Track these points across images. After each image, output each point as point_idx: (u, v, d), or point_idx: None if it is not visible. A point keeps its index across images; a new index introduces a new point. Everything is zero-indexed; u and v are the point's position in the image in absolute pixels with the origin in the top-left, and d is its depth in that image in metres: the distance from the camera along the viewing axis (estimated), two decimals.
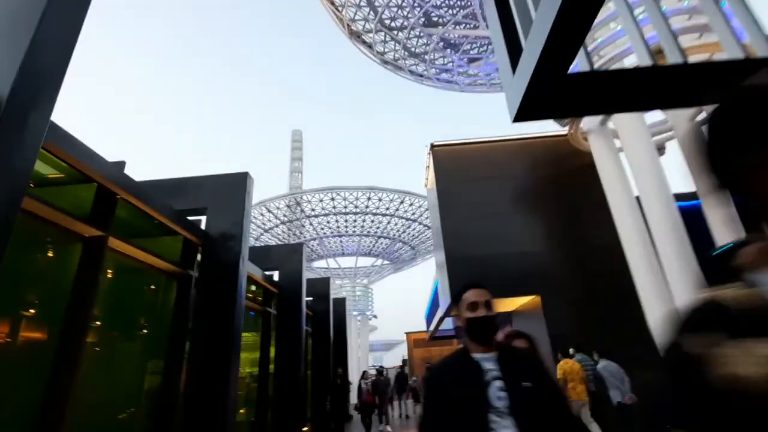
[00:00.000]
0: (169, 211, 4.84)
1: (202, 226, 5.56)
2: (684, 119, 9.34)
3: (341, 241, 42.22)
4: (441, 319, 17.51)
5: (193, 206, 5.51)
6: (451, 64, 17.76)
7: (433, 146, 11.05)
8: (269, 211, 36.54)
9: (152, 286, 5.00)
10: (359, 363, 39.97)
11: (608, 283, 9.10)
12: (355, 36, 17.05)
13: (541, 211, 10.15)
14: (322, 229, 39.53)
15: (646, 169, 7.59)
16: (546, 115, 3.72)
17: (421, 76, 18.93)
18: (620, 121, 8.16)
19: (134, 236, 4.51)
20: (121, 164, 4.09)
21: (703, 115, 9.08)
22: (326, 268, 45.13)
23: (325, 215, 37.49)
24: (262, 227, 37.64)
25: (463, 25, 15.66)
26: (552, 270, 9.51)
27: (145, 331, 4.86)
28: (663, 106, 4.51)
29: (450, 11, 15.37)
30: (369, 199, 36.18)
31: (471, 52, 17.18)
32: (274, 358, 8.11)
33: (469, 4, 15.01)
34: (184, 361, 4.77)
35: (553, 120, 10.37)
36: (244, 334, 7.78)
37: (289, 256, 8.73)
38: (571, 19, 2.08)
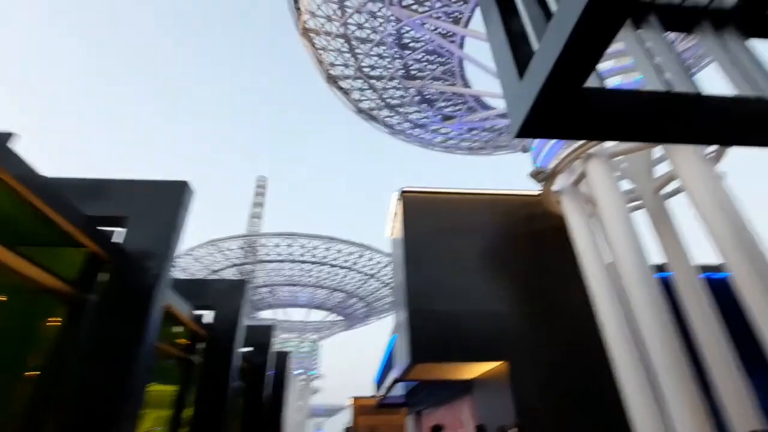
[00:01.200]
0: (70, 211, 3.75)
1: (120, 240, 4.44)
2: (650, 191, 9.47)
3: (294, 291, 39.99)
4: (394, 383, 16.01)
5: (110, 213, 4.41)
6: (425, 119, 18.07)
7: (403, 192, 10.51)
8: (219, 252, 34.23)
9: (26, 309, 3.73)
10: (297, 430, 36.06)
11: (583, 349, 8.43)
12: (333, 81, 17.13)
13: (513, 269, 9.60)
14: (276, 276, 37.37)
15: (623, 237, 7.30)
16: (555, 132, 3.17)
17: (393, 128, 19.08)
18: (595, 184, 8.02)
19: (16, 240, 3.34)
20: (4, 136, 3.05)
21: (671, 188, 9.22)
22: (273, 320, 42.12)
23: (281, 261, 35.62)
24: (209, 268, 35.03)
25: (441, 81, 16.16)
26: (521, 333, 8.74)
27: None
28: (690, 140, 4.07)
29: (429, 66, 15.87)
30: (328, 249, 35.03)
31: (446, 109, 17.66)
32: (192, 418, 6.58)
33: (449, 61, 15.61)
34: (61, 411, 3.44)
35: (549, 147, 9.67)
36: (156, 387, 6.30)
37: (228, 293, 7.48)
38: (602, 16, 1.63)
